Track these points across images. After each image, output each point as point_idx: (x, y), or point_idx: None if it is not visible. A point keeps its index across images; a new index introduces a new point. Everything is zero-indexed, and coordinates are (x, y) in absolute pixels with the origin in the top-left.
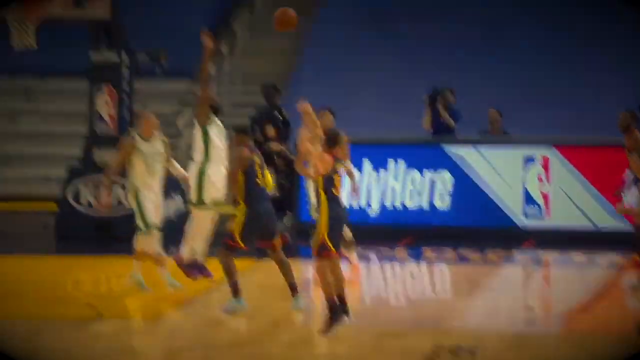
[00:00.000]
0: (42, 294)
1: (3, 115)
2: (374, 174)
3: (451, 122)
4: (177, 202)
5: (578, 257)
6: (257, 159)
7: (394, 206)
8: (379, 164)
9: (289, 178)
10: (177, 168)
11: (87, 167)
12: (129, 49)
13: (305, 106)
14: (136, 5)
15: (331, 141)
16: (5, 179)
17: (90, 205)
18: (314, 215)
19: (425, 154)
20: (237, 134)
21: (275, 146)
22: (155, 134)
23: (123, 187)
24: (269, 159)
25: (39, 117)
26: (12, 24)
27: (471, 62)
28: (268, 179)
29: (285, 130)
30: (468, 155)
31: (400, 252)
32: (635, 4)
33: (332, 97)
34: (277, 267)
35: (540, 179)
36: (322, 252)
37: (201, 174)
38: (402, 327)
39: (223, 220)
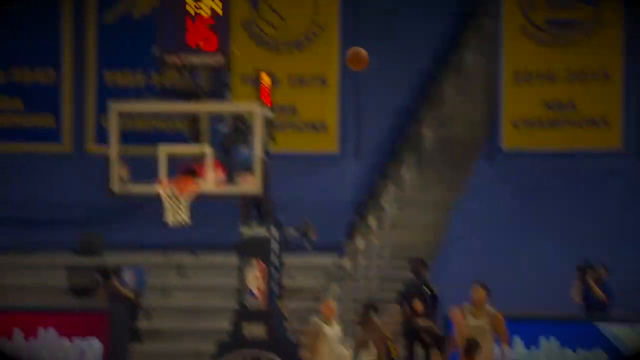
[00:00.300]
0: None
1: (156, 290)
2: (526, 351)
3: (603, 297)
4: None
5: None
6: (385, 333)
7: None
8: (531, 341)
9: (440, 352)
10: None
11: (236, 341)
12: (278, 224)
13: (455, 314)
14: (285, 182)
15: (469, 351)
16: (156, 354)
17: None
18: None
19: (578, 332)
20: (363, 311)
21: (422, 321)
22: (334, 319)
23: None
24: (416, 334)
25: (190, 292)
26: (166, 200)
27: (625, 238)
28: (397, 352)
29: (433, 305)
30: (624, 334)
31: None
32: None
33: (481, 269)
34: None
35: None
36: None
37: None
38: None
39: None
